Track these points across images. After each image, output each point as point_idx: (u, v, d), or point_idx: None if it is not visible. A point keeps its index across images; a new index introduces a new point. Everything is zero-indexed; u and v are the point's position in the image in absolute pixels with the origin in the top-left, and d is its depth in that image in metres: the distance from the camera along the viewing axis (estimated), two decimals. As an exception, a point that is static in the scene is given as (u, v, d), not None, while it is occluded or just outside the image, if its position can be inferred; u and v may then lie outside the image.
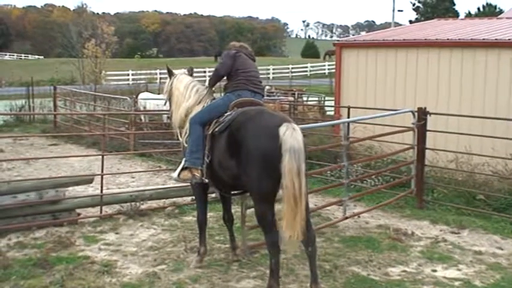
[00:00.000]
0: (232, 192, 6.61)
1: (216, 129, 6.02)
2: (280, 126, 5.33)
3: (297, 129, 5.38)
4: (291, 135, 5.26)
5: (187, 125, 6.48)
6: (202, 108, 6.50)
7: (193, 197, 8.88)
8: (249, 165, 5.46)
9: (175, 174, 6.57)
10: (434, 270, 6.58)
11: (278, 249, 5.50)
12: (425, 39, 13.11)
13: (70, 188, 8.75)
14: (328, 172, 10.71)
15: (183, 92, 6.79)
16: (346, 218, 8.18)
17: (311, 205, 7.24)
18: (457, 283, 6.20)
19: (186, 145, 6.44)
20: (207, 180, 6.24)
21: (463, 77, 12.05)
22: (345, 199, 8.11)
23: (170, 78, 7.04)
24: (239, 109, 6.04)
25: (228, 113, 6.10)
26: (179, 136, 6.82)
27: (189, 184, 6.83)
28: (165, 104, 7.32)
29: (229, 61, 6.52)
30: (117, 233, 7.90)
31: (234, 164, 5.67)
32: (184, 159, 6.44)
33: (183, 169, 6.42)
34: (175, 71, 7.10)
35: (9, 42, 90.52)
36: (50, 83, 28.03)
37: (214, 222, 8.20)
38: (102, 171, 9.06)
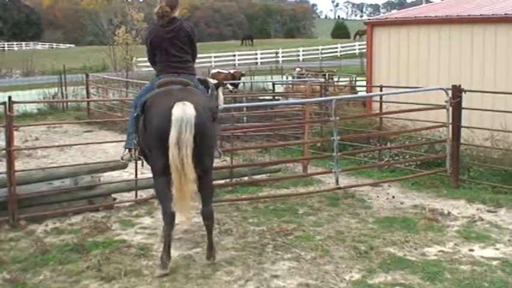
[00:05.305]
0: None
1: (138, 111, 6.25)
2: (173, 108, 5.58)
3: (187, 104, 5.60)
4: (178, 110, 5.54)
5: None
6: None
7: (226, 180, 8.95)
8: (150, 143, 5.86)
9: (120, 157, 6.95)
10: (472, 250, 6.48)
11: (170, 220, 5.79)
12: (458, 15, 12.87)
13: (105, 174, 8.84)
14: (362, 154, 10.96)
15: None
16: (339, 188, 8.76)
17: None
18: (494, 262, 6.10)
19: None
20: (139, 159, 6.58)
21: (497, 52, 11.80)
22: (335, 170, 8.68)
23: None
24: (155, 90, 6.20)
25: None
26: None
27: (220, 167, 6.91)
28: None
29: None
30: (152, 217, 7.96)
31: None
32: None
33: (124, 150, 6.76)
34: None
35: (41, 32, 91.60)
36: (82, 70, 28.28)
37: (248, 204, 8.22)
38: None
